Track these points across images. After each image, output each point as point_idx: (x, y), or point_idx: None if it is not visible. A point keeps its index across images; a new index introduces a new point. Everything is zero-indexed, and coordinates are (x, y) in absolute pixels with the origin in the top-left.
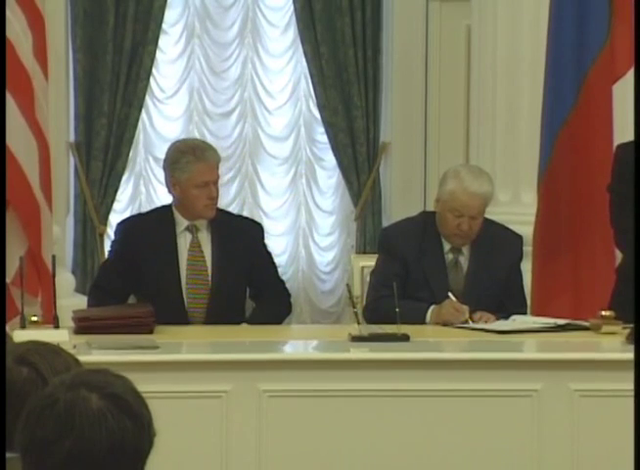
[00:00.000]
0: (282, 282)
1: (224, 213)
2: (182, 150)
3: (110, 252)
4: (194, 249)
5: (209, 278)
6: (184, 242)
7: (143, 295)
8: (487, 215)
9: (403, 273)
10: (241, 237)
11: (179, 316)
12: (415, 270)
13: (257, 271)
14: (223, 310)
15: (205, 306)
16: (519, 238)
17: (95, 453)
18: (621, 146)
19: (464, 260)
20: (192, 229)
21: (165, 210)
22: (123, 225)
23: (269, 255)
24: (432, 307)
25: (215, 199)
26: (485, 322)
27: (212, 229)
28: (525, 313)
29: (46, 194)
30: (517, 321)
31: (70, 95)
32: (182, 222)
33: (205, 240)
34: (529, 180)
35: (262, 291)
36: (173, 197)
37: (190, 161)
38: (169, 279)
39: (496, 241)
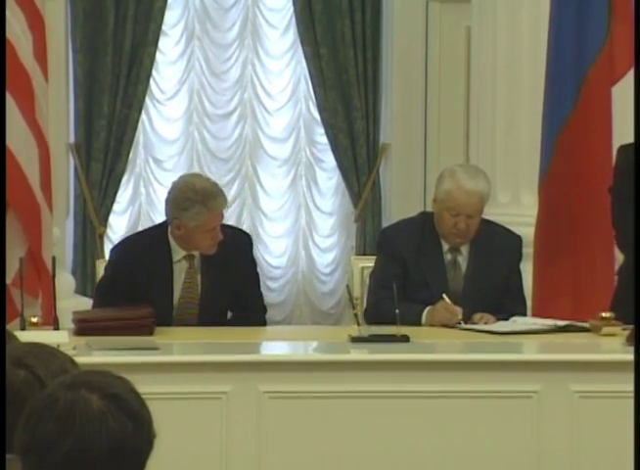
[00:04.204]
0: (261, 298)
1: None
2: (192, 198)
3: (106, 277)
4: (189, 278)
5: (198, 303)
6: (179, 270)
7: None
8: (487, 217)
9: (402, 274)
10: (230, 248)
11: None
12: (414, 271)
13: (240, 284)
14: (211, 323)
15: (196, 320)
16: (518, 238)
17: (95, 454)
18: (623, 147)
19: (463, 261)
20: (189, 259)
21: (161, 232)
22: (118, 251)
23: (254, 267)
24: (426, 309)
25: (218, 239)
26: (485, 323)
27: None
28: (524, 314)
29: (46, 195)
30: (517, 322)
31: (70, 96)
32: (179, 251)
33: (199, 264)
34: (529, 181)
35: (240, 304)
36: (172, 229)
37: (201, 211)
38: (162, 306)
39: (496, 241)
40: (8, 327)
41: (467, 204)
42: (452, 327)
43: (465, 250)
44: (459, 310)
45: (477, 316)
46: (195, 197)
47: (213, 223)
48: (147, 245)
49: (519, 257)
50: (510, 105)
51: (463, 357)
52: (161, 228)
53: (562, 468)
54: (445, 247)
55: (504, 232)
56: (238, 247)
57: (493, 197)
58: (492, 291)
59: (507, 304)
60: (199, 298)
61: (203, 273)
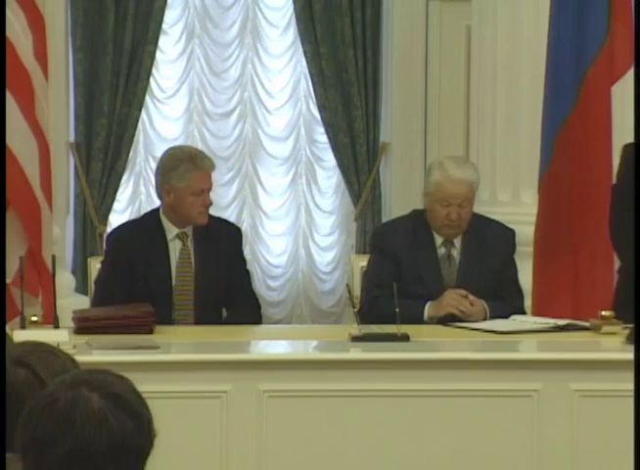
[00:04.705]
0: (253, 292)
1: None
2: (180, 158)
3: (104, 265)
4: (183, 257)
5: (193, 284)
6: (174, 249)
7: (134, 302)
8: (487, 215)
9: (396, 272)
10: (221, 239)
11: (167, 324)
12: (408, 266)
13: (233, 278)
14: (207, 317)
15: (192, 314)
16: (511, 232)
17: (95, 453)
18: (629, 146)
19: (456, 254)
20: (182, 237)
21: (154, 216)
22: (114, 237)
23: (244, 262)
24: (428, 304)
25: (209, 206)
26: (470, 304)
27: (194, 232)
28: (522, 305)
29: (46, 194)
30: (517, 321)
31: (70, 95)
32: (172, 230)
33: (192, 246)
34: (529, 180)
35: (235, 299)
36: (164, 203)
37: (188, 169)
38: (161, 287)
39: (488, 234)
40: (7, 326)
41: (457, 193)
42: (453, 325)
43: (458, 243)
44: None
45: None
46: (183, 156)
47: (202, 184)
48: (141, 227)
49: (512, 248)
50: (510, 104)
51: (463, 356)
52: (154, 212)
53: (562, 467)
54: (439, 241)
55: (497, 226)
56: (228, 238)
57: (493, 196)
58: (486, 283)
59: (503, 295)
60: (193, 278)
61: (195, 253)
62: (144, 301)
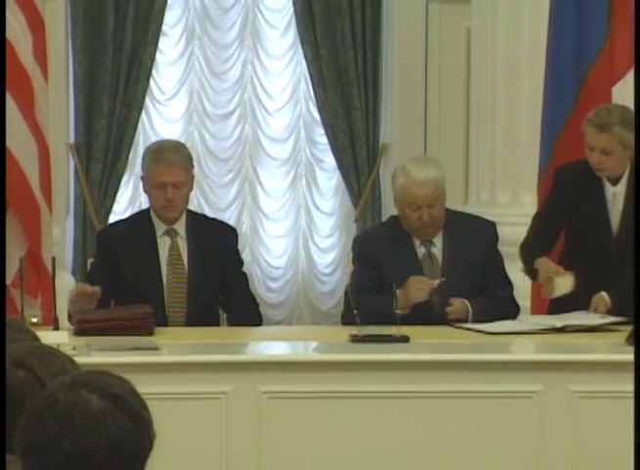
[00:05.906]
0: (251, 293)
1: (198, 216)
2: (149, 149)
3: (93, 264)
4: (173, 253)
5: (186, 282)
6: (164, 246)
7: (124, 300)
8: (487, 216)
9: (378, 277)
10: (215, 240)
11: (159, 322)
12: (390, 270)
13: (229, 279)
14: (201, 315)
15: (185, 312)
16: (492, 223)
17: (95, 454)
18: (560, 170)
19: (438, 252)
20: (171, 233)
21: (144, 213)
22: (102, 235)
23: (241, 262)
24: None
25: (172, 201)
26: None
27: (188, 232)
28: (510, 294)
29: (46, 195)
30: (516, 322)
31: (70, 97)
32: (161, 226)
33: (184, 244)
34: (529, 181)
35: (233, 300)
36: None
37: (149, 160)
38: (151, 284)
39: (468, 227)
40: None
41: (423, 195)
42: (447, 323)
43: (439, 241)
44: (427, 280)
45: (452, 306)
46: (151, 148)
47: (160, 177)
48: (129, 225)
49: (494, 239)
50: (510, 105)
51: (463, 357)
52: (144, 210)
53: (562, 468)
54: (417, 241)
55: (476, 219)
56: (222, 239)
57: (493, 197)
58: (471, 278)
59: (490, 286)
60: (187, 276)
61: (189, 251)
62: (133, 299)
